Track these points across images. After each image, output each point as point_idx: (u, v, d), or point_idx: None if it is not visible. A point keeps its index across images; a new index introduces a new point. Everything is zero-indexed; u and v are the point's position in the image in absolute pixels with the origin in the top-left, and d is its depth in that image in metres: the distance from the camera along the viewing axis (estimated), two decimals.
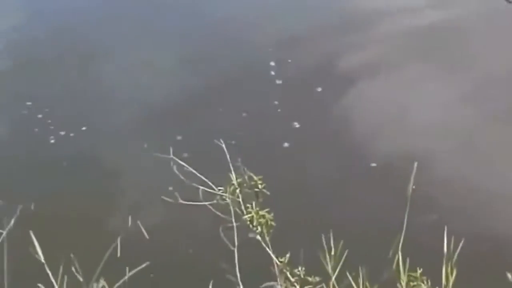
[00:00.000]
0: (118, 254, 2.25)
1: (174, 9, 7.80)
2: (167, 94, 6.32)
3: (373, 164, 5.32)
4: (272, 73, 6.63)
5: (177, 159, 2.69)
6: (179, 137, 5.59)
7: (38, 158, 5.69)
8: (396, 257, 2.81)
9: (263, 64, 6.74)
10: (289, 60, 6.85)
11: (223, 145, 2.79)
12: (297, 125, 5.81)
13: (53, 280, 2.51)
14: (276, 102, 6.10)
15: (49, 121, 6.00)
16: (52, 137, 5.82)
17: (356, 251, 2.96)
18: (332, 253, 2.79)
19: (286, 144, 5.60)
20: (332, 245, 2.79)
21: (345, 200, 4.96)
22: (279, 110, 6.03)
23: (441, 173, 5.11)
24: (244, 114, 5.95)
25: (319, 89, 6.34)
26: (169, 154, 2.80)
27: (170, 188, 4.69)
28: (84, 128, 5.94)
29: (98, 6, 8.10)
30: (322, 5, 7.87)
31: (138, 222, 2.41)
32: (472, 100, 6.03)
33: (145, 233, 2.27)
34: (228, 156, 2.64)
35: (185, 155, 4.44)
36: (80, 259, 2.48)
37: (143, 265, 2.43)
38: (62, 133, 5.85)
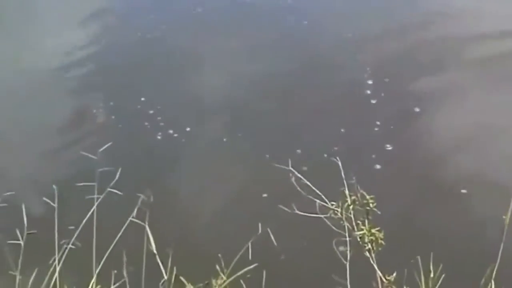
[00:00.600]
0: (250, 257, 2.45)
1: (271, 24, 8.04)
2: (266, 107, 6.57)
3: (464, 191, 5.34)
4: (368, 92, 6.70)
5: (295, 171, 2.88)
6: (298, 151, 5.78)
7: (147, 152, 6.05)
8: (489, 285, 2.91)
9: (360, 82, 6.83)
10: (386, 79, 6.89)
11: (339, 162, 2.95)
12: (389, 147, 5.89)
13: (163, 270, 2.76)
14: (375, 122, 6.21)
15: (159, 118, 6.37)
16: (160, 133, 6.18)
17: (452, 276, 3.08)
18: (431, 275, 2.94)
19: (378, 166, 5.70)
20: (431, 268, 2.94)
21: (439, 225, 5.01)
22: (376, 129, 6.14)
23: None
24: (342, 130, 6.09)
25: (417, 110, 6.37)
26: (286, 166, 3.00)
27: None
28: (188, 129, 6.25)
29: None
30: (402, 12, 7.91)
31: (268, 229, 2.61)
32: None
33: (274, 241, 2.46)
34: (342, 173, 2.81)
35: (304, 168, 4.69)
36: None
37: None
38: (170, 131, 6.20)
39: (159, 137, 6.16)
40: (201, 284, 2.54)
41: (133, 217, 3.04)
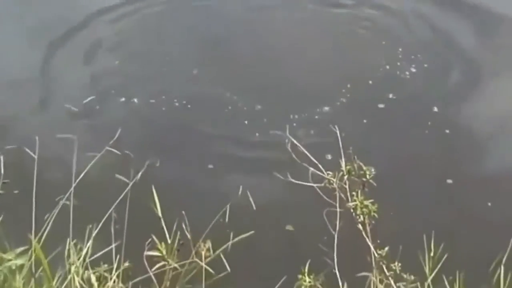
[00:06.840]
0: (226, 219, 2.37)
1: None
2: None
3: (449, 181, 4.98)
4: None
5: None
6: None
7: None
8: (498, 270, 2.76)
9: None
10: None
11: (337, 131, 2.83)
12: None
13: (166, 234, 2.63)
14: None
15: None
16: None
17: (456, 257, 2.92)
18: (432, 254, 2.80)
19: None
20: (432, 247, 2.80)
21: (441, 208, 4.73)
22: None
23: None
24: None
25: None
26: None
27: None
28: None
29: None
30: None
31: (248, 192, 2.53)
32: None
33: (253, 204, 2.38)
34: (340, 143, 2.69)
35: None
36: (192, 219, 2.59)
37: (247, 234, 2.54)
38: None
39: None
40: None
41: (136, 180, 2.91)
